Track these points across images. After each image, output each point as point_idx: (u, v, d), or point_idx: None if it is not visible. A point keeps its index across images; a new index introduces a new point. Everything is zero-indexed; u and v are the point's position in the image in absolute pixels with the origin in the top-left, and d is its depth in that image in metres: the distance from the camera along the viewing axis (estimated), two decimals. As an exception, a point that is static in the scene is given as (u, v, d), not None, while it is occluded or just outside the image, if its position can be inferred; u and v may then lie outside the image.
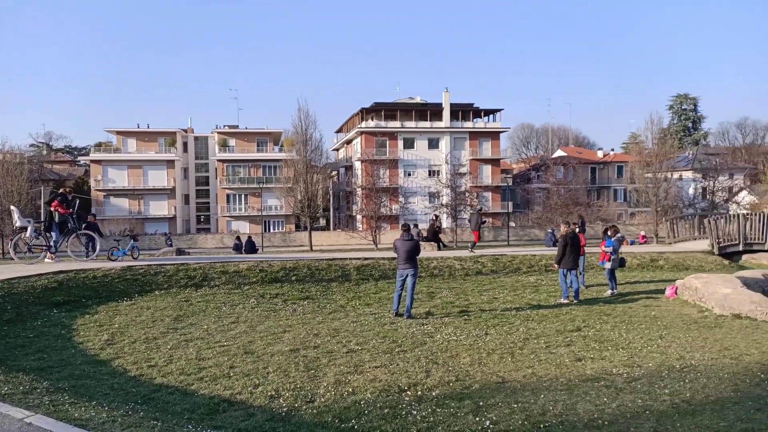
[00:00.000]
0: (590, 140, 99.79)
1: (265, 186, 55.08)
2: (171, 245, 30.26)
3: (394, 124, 60.74)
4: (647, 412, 5.54)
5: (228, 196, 61.34)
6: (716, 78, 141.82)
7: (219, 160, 62.02)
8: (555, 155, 74.40)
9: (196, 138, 71.60)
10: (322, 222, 74.05)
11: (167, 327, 9.78)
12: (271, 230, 57.92)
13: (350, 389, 6.34)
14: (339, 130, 74.84)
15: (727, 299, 11.16)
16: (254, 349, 8.29)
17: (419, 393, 6.23)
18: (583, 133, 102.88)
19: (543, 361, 7.61)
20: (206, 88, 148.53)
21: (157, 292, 12.89)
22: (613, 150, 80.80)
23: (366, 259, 17.57)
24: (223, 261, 16.14)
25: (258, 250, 31.18)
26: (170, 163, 61.32)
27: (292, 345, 8.50)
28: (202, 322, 10.29)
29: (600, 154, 78.83)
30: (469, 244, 22.83)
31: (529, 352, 8.08)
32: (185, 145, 69.61)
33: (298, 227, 59.22)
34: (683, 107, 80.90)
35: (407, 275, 10.91)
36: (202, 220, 70.60)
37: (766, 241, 21.23)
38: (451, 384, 6.54)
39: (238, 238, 32.49)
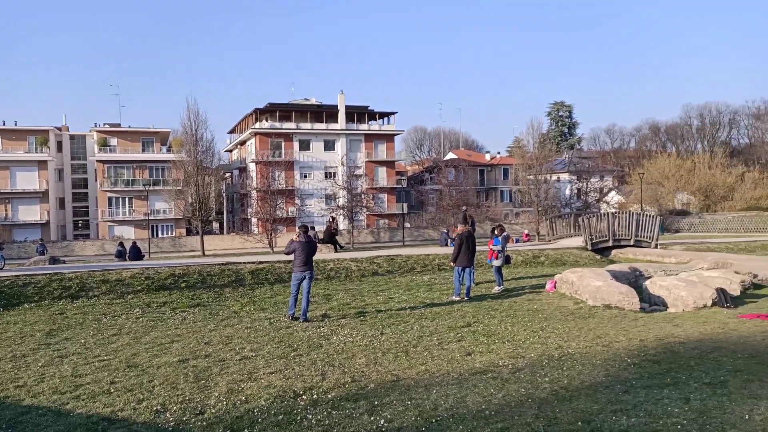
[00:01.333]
0: (479, 143, 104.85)
1: (152, 188, 52.09)
2: (44, 253, 27.67)
3: (290, 126, 59.99)
4: (530, 399, 5.89)
5: (110, 199, 57.29)
6: (588, 87, 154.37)
7: (99, 161, 57.75)
8: (447, 158, 77.28)
9: (72, 137, 66.22)
10: (216, 226, 71.40)
11: (38, 343, 8.95)
12: (160, 235, 54.92)
13: (243, 397, 6.16)
14: (232, 131, 72.58)
15: (599, 291, 12.16)
16: (138, 361, 7.80)
17: (315, 396, 6.18)
18: (473, 137, 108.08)
19: (436, 357, 7.84)
20: (83, 84, 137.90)
21: (26, 305, 11.78)
22: (499, 153, 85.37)
23: (261, 262, 17.18)
24: (103, 269, 15.06)
25: (144, 256, 29.42)
26: (42, 164, 56.20)
27: (180, 355, 8.11)
28: (79, 335, 9.53)
29: (488, 157, 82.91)
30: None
31: (423, 350, 8.30)
32: (59, 144, 64.15)
33: (189, 232, 56.64)
34: (560, 114, 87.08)
35: (303, 278, 10.80)
36: (80, 225, 65.40)
37: (632, 237, 23.42)
38: (347, 385, 6.56)
39: (121, 244, 30.43)
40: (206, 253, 36.25)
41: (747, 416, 5.25)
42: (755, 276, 14.80)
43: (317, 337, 9.28)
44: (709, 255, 19.29)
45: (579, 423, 5.17)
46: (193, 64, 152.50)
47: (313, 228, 26.10)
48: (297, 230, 11.59)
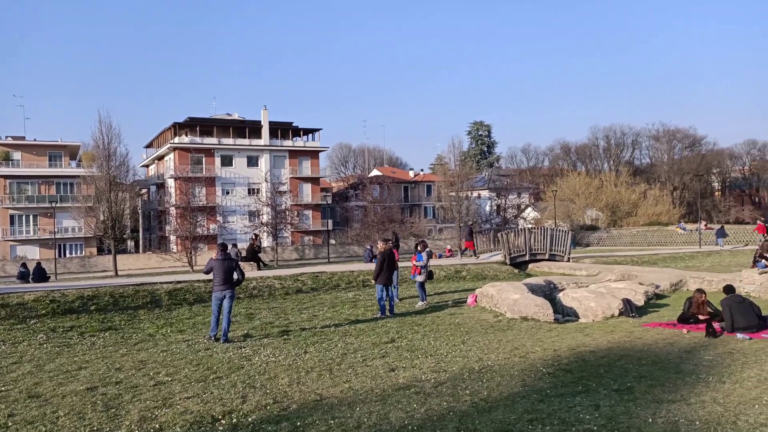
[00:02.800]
0: (403, 161, 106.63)
1: (59, 205, 48.88)
2: (-68, 276, 25.27)
3: (211, 141, 58.46)
4: (451, 413, 5.99)
5: (12, 217, 53.21)
6: (505, 107, 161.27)
7: (0, 176, 53.66)
8: (371, 174, 77.93)
9: (-31, 150, 61.10)
10: (131, 244, 67.95)
11: (-77, 376, 8.12)
12: (68, 254, 51.56)
13: (157, 425, 5.86)
14: (149, 145, 69.70)
15: (517, 304, 12.62)
16: (41, 391, 7.25)
17: (234, 420, 5.99)
18: (397, 154, 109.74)
19: (360, 374, 7.83)
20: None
21: None
22: (423, 170, 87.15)
23: (179, 282, 16.54)
24: (3, 292, 13.94)
25: (50, 277, 27.49)
26: (-68, 179, 51.46)
27: (88, 383, 7.61)
28: (-27, 366, 8.73)
29: (412, 174, 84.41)
30: (470, 252, 26.70)
31: (347, 367, 8.26)
32: (-46, 157, 58.99)
33: (101, 251, 53.53)
34: (479, 133, 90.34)
35: (224, 297, 10.49)
36: (-24, 245, 60.16)
37: (546, 251, 24.52)
38: (268, 407, 6.40)
39: (23, 264, 28.34)
40: (119, 273, 34.40)
41: (650, 419, 5.60)
42: (657, 287, 15.89)
43: (238, 358, 9.02)
44: (616, 268, 20.52)
45: (497, 434, 5.32)
46: (105, 74, 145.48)
47: (235, 245, 25.45)
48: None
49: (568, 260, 24.45)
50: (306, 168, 63.12)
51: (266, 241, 45.06)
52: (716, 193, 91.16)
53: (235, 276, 10.61)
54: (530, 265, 23.83)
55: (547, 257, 24.35)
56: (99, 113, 49.43)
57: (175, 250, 45.70)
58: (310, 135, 65.92)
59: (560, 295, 14.23)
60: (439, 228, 69.57)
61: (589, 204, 57.46)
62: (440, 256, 33.01)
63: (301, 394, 6.94)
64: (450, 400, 6.44)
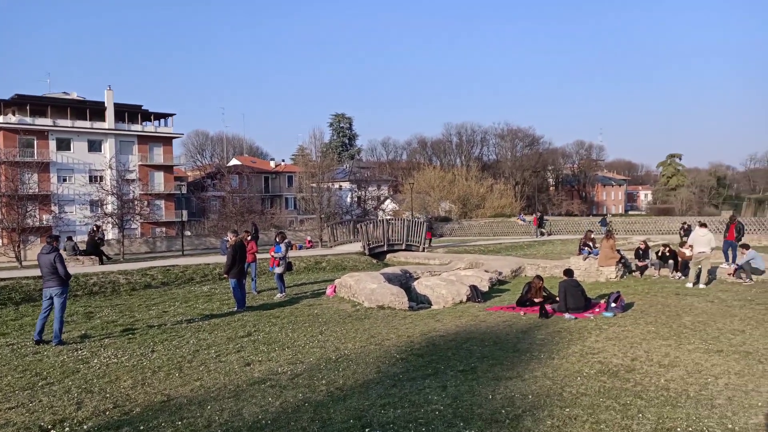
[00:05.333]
0: (264, 151, 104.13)
1: None
2: None
3: (44, 122, 52.39)
4: (307, 404, 5.99)
5: None
6: (366, 101, 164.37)
7: None
8: (230, 164, 75.10)
9: None
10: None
11: None
12: None
13: (-30, 443, 5.14)
14: (-35, 124, 60.63)
15: (374, 293, 12.95)
16: None
17: (67, 429, 5.44)
18: (257, 144, 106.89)
19: (212, 371, 7.52)
20: None
21: None
22: (284, 161, 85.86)
23: (3, 279, 14.66)
24: None
25: None
26: None
27: None
28: None
29: (273, 164, 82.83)
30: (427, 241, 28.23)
31: (199, 364, 7.89)
32: None
33: None
34: (341, 125, 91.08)
35: (52, 294, 9.46)
36: None
37: (403, 241, 25.46)
38: (107, 412, 5.91)
39: None
40: (-74, 270, 29.55)
41: (491, 396, 6.06)
42: (500, 273, 17.25)
43: (73, 361, 8.20)
44: (465, 256, 21.91)
45: (351, 421, 5.41)
46: None
47: (70, 238, 23.14)
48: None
49: (423, 250, 25.61)
50: (158, 155, 59.14)
51: (111, 233, 41.53)
52: (551, 188, 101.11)
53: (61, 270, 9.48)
54: (388, 255, 24.59)
55: (404, 247, 25.29)
56: None
57: (0, 243, 40.36)
58: (163, 120, 61.80)
59: (415, 283, 14.85)
60: (300, 219, 69.09)
61: (443, 197, 60.66)
62: (300, 247, 32.86)
63: (146, 395, 6.50)
64: (306, 391, 6.43)
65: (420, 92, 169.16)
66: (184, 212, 59.55)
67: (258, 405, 5.99)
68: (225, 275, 13.04)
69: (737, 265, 14.96)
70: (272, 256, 14.71)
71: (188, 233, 51.16)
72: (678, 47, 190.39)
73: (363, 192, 59.87)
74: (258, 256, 16.08)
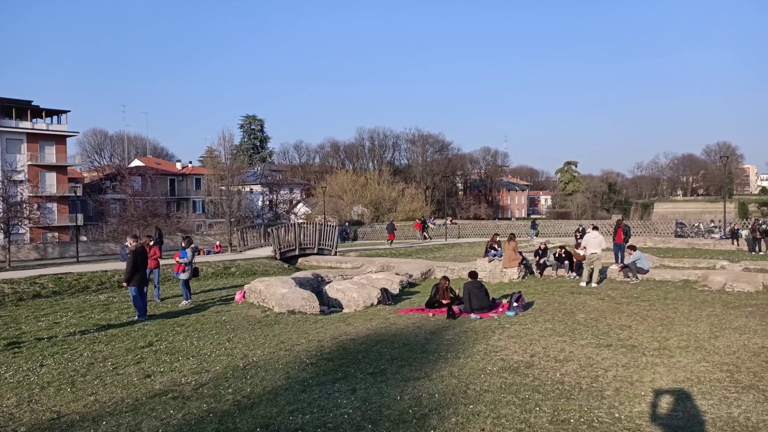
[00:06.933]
0: (170, 152, 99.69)
1: None
2: None
3: None
4: (211, 414, 5.79)
5: None
6: (278, 103, 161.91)
7: None
8: (132, 165, 71.25)
9: None
10: None
11: None
12: None
13: None
14: None
15: (285, 298, 12.76)
16: None
17: (-63, 457, 4.92)
18: (162, 144, 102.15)
19: (109, 384, 7.08)
20: None
21: None
22: (191, 163, 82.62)
23: None
24: None
25: None
26: None
27: None
28: None
29: (179, 166, 79.48)
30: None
31: (93, 378, 7.40)
32: None
33: None
34: (252, 127, 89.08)
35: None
36: None
37: (315, 245, 25.31)
38: (-13, 435, 5.41)
39: None
40: None
41: (399, 397, 6.16)
42: (410, 276, 17.57)
43: (-53, 380, 7.43)
44: (377, 260, 22.12)
45: (258, 429, 5.30)
46: None
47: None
48: None
49: (335, 254, 25.58)
50: (50, 155, 54.96)
51: (-5, 239, 38.08)
52: (460, 193, 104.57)
53: None
54: (300, 260, 24.33)
55: (315, 251, 25.14)
56: None
57: None
58: (56, 117, 57.55)
59: (327, 287, 14.80)
60: (209, 223, 66.77)
61: (356, 200, 61.00)
62: (208, 252, 31.78)
63: (33, 414, 6.01)
64: (211, 401, 6.22)
65: (333, 96, 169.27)
66: (80, 216, 55.68)
67: (158, 418, 5.72)
68: (125, 284, 12.33)
69: (624, 264, 16.21)
70: (177, 261, 14.10)
71: (84, 238, 47.90)
72: (571, 62, 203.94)
73: (275, 195, 58.92)
74: (162, 261, 15.36)
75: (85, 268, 19.36)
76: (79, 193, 54.95)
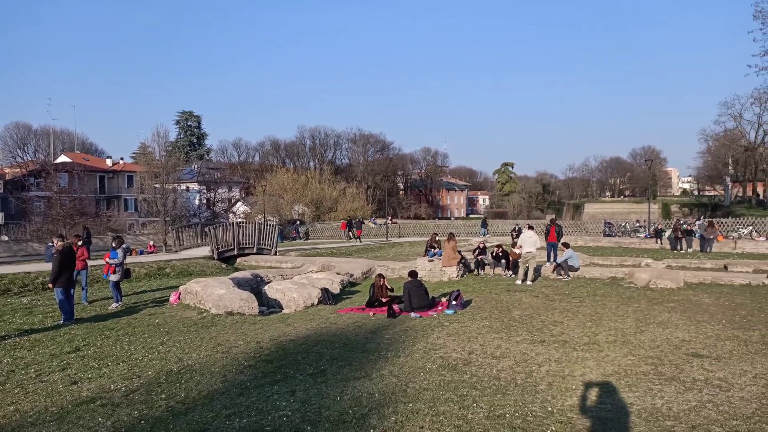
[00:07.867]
0: (99, 147, 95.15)
1: None
2: None
3: None
4: (143, 421, 5.57)
5: None
6: (215, 99, 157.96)
7: None
8: (58, 161, 67.54)
9: None
10: None
11: None
12: None
13: None
14: None
15: (222, 299, 12.45)
16: None
17: None
18: (91, 140, 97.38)
19: (31, 392, 6.69)
20: None
21: None
22: (123, 159, 79.20)
23: None
24: None
25: None
26: None
27: None
28: None
29: (110, 162, 76.00)
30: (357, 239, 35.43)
31: (14, 386, 6.97)
32: None
33: None
34: (188, 123, 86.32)
35: None
36: None
37: (254, 245, 24.85)
38: None
39: None
40: None
41: (339, 397, 6.13)
42: (351, 275, 17.55)
43: None
44: (317, 259, 21.96)
45: (193, 435, 5.15)
46: None
47: None
48: None
49: (275, 254, 25.20)
50: (-35, 148, 51.26)
51: None
52: (401, 192, 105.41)
53: None
54: (238, 260, 23.81)
55: (255, 251, 24.67)
56: None
57: None
58: (-28, 108, 53.79)
59: (266, 287, 14.54)
60: (142, 222, 64.21)
61: (296, 199, 60.31)
62: (141, 253, 30.63)
63: (-57, 428, 5.59)
64: (142, 408, 5.99)
65: (273, 94, 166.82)
66: (1, 214, 52.39)
67: (86, 427, 5.45)
68: (50, 285, 11.68)
69: (556, 263, 16.81)
70: (107, 262, 13.49)
71: (5, 238, 45.02)
72: (506, 66, 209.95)
73: (213, 194, 57.40)
74: (90, 262, 14.65)
75: (6, 270, 18.20)
76: (0, 189, 51.59)
